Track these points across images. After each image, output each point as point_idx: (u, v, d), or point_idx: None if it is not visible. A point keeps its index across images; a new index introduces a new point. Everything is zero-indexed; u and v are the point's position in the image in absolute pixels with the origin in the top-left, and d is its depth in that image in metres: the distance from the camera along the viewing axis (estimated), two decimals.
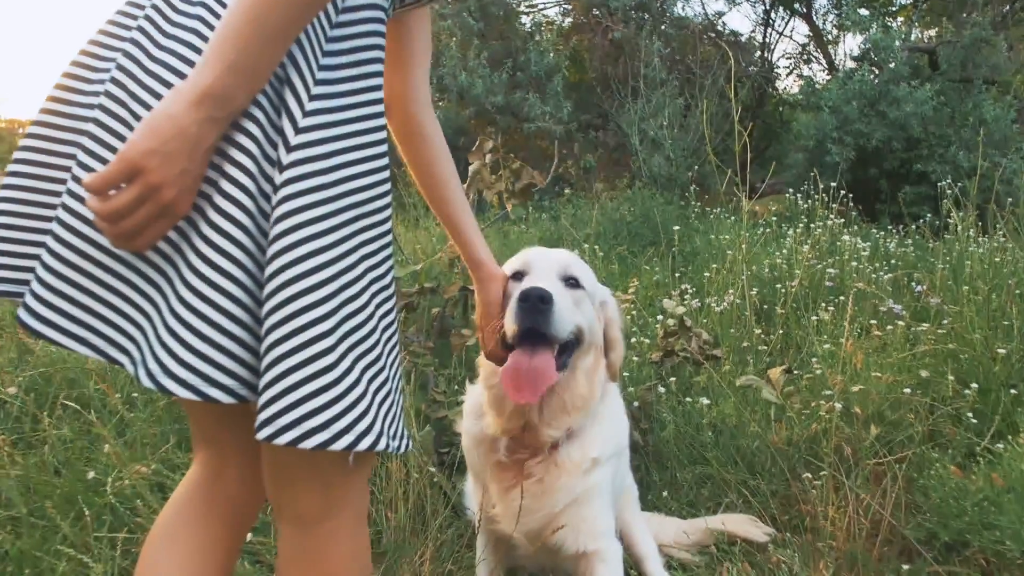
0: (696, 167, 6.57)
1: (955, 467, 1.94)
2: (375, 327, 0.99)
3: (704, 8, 10.82)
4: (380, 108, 1.03)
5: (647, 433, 2.47)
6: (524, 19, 9.86)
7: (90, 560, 1.67)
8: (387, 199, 1.03)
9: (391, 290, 1.04)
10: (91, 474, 2.01)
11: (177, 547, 1.14)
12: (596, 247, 4.26)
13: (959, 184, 4.59)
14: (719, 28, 9.98)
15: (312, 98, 0.93)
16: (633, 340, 2.94)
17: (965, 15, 8.31)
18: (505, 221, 3.28)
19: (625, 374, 2.68)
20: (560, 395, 1.56)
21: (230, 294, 0.90)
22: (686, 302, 3.23)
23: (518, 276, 1.57)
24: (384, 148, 1.02)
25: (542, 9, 10.48)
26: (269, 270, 0.89)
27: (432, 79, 8.10)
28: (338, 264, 0.93)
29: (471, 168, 2.93)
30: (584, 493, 1.62)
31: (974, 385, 2.32)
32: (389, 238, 1.04)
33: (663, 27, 9.07)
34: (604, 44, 8.86)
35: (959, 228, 3.78)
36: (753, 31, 10.84)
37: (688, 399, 2.55)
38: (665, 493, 2.30)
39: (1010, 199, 4.83)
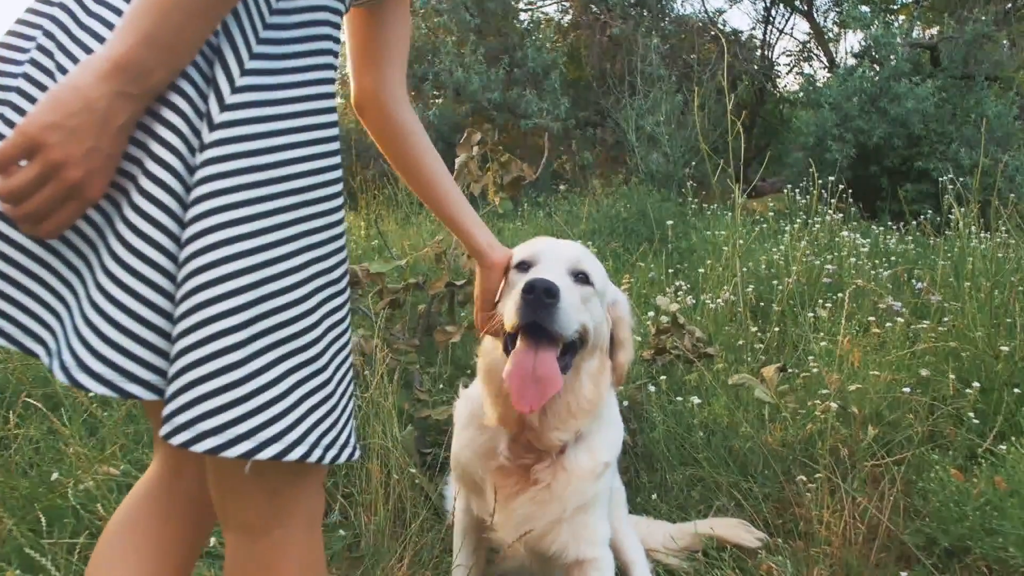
0: (693, 163, 6.49)
1: (956, 470, 1.86)
2: (315, 323, 0.90)
3: (704, 5, 10.75)
4: (331, 89, 0.95)
5: (636, 434, 2.39)
6: (523, 16, 9.79)
7: (48, 563, 1.58)
8: (338, 187, 0.94)
9: (342, 285, 0.96)
10: (55, 475, 1.94)
11: (133, 545, 1.08)
12: (590, 243, 4.18)
13: (961, 179, 4.50)
14: (720, 26, 9.90)
15: (245, 73, 0.85)
16: None
17: (967, 12, 8.22)
18: (495, 217, 3.20)
19: None
20: (564, 398, 1.46)
21: (152, 282, 0.82)
22: (680, 298, 3.15)
23: (524, 266, 1.48)
24: (335, 132, 0.94)
25: (541, 7, 10.41)
26: (180, 257, 0.82)
27: (428, 75, 8.03)
28: (263, 254, 0.84)
29: (457, 161, 2.85)
30: (592, 499, 1.55)
31: (976, 384, 2.23)
32: (340, 229, 0.95)
33: (663, 24, 9.00)
34: (602, 41, 8.78)
35: (960, 224, 3.69)
36: (753, 28, 10.77)
37: (679, 398, 2.46)
38: (655, 496, 2.22)
39: (1012, 195, 4.74)
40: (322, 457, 0.91)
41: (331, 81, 0.95)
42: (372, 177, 5.79)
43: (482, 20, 8.34)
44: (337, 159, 0.95)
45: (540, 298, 1.30)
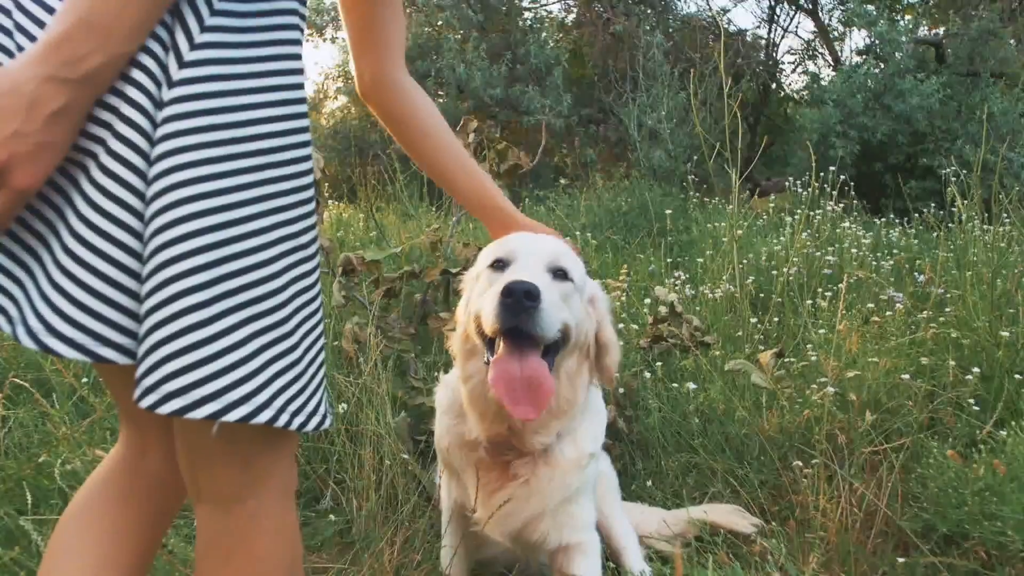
0: (695, 157, 6.46)
1: (952, 452, 1.83)
2: (281, 288, 0.88)
3: (708, 3, 10.71)
4: (298, 50, 0.93)
5: (632, 421, 2.36)
6: (527, 15, 9.76)
7: (40, 539, 1.57)
8: (306, 150, 0.92)
9: (310, 251, 0.93)
10: (42, 457, 1.92)
11: (88, 529, 1.05)
12: (589, 235, 4.16)
13: (964, 171, 4.47)
14: (723, 25, 9.85)
15: (205, 30, 0.83)
16: (622, 326, 2.83)
17: (973, 10, 8.16)
18: None
19: None
20: None
21: (119, 242, 0.81)
22: (678, 288, 3.12)
23: (499, 264, 1.43)
24: (302, 94, 0.92)
25: (544, 5, 10.39)
26: (146, 215, 0.79)
27: (430, 71, 7.99)
28: (225, 214, 0.82)
29: None
30: (577, 490, 1.53)
31: (976, 370, 2.20)
32: (309, 194, 0.93)
33: (667, 19, 8.97)
34: (605, 37, 8.75)
35: (963, 217, 3.65)
36: (758, 26, 10.73)
37: (675, 384, 2.43)
38: (649, 482, 2.19)
39: (1017, 188, 4.70)
40: (289, 423, 0.89)
41: (298, 42, 0.94)
42: (373, 173, 5.78)
43: (485, 16, 8.33)
44: (306, 122, 0.93)
45: (520, 302, 1.24)
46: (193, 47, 0.82)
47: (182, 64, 0.81)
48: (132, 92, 0.81)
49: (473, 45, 7.87)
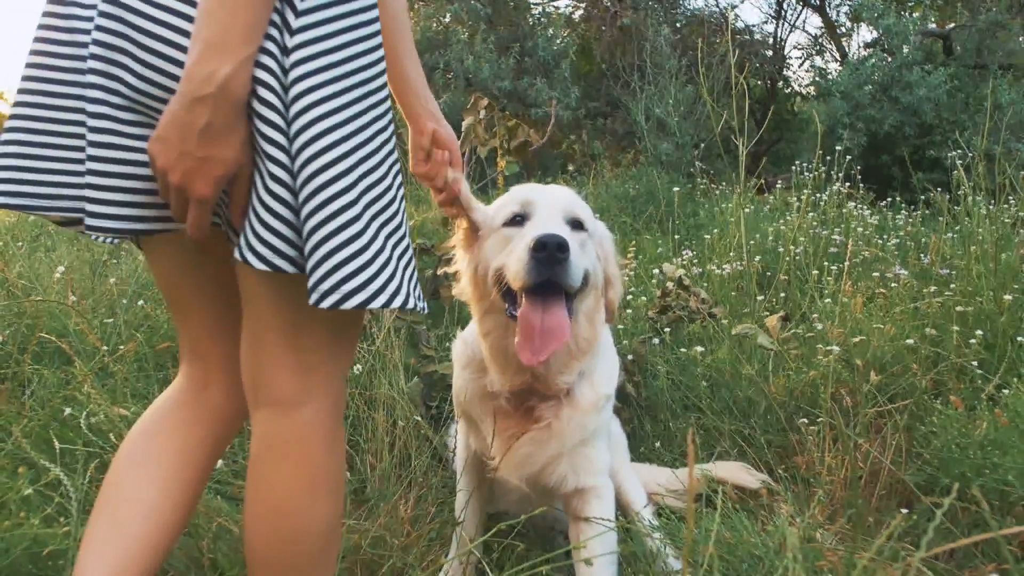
0: (702, 144, 6.47)
1: (956, 399, 1.86)
2: (396, 195, 1.01)
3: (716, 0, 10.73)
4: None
5: (640, 386, 2.41)
6: (535, 11, 9.80)
7: (64, 476, 1.61)
8: (384, 78, 1.04)
9: (396, 155, 1.06)
10: (67, 411, 1.98)
11: (162, 442, 1.15)
12: (597, 217, 4.19)
13: (972, 153, 4.48)
14: (731, 22, 9.87)
15: None
16: (630, 298, 2.87)
17: (981, 3, 8.15)
18: (494, 186, 3.15)
19: (620, 327, 2.62)
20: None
21: (273, 175, 0.91)
22: (685, 264, 3.16)
23: (518, 219, 1.46)
24: (379, 28, 1.03)
25: (552, 0, 10.43)
26: (293, 149, 0.90)
27: (439, 64, 8.00)
28: (356, 138, 0.94)
29: (464, 124, 2.88)
30: (593, 432, 1.57)
31: (979, 332, 2.23)
32: (391, 118, 1.05)
33: (674, 13, 9.00)
34: (612, 31, 8.79)
35: (969, 199, 3.67)
36: (765, 22, 10.74)
37: (683, 349, 2.47)
38: (658, 444, 2.23)
39: (1023, 173, 4.70)
40: (423, 308, 1.04)
41: None
42: None
43: (493, 10, 8.37)
44: (383, 52, 1.03)
45: (553, 255, 1.29)
46: None
47: (297, 13, 0.92)
48: (266, 43, 0.91)
49: (481, 38, 7.91)
